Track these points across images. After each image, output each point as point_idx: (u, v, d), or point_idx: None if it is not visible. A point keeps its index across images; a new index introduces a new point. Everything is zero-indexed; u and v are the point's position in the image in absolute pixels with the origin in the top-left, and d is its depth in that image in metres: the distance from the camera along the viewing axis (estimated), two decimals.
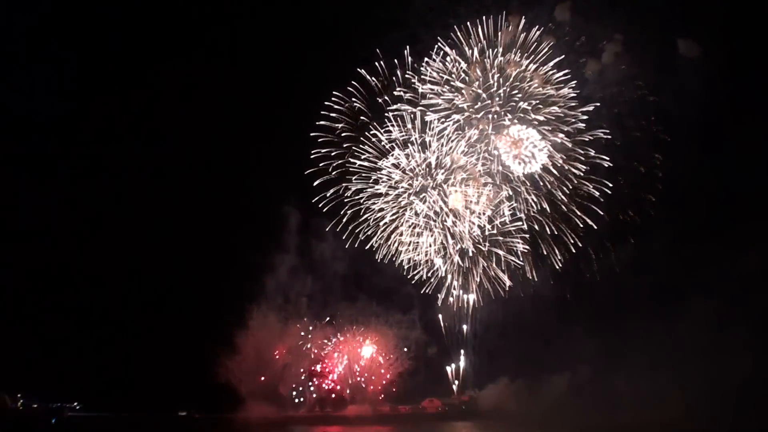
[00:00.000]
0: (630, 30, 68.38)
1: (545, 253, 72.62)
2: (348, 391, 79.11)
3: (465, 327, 78.32)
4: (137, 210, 75.65)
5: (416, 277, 74.11)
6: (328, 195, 73.35)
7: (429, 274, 74.47)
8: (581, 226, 71.25)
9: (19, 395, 62.95)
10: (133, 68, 77.83)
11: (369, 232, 73.64)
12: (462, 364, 79.94)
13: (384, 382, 79.13)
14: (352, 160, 72.74)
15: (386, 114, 70.66)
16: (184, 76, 78.15)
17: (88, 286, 70.73)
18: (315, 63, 77.79)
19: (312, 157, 72.72)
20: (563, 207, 71.06)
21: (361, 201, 73.39)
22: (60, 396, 65.24)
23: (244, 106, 78.50)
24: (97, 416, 65.39)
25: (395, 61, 70.05)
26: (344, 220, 73.55)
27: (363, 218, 73.60)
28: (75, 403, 65.81)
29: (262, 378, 75.89)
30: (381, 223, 73.33)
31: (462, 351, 79.59)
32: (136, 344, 69.08)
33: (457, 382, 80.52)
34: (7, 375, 60.78)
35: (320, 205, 73.68)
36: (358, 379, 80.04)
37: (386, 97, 70.93)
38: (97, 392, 64.85)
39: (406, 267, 73.74)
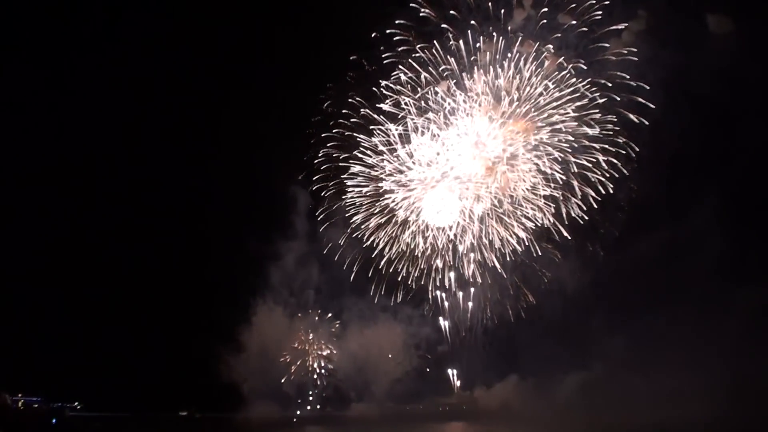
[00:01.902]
0: (654, 6, 63.15)
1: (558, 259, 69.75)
2: (353, 391, 77.15)
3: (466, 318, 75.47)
4: (134, 205, 74.53)
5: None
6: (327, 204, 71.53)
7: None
8: (602, 231, 68.27)
9: (19, 395, 62.82)
10: (141, 53, 75.53)
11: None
12: (464, 362, 77.55)
13: (390, 380, 76.96)
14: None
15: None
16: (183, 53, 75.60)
17: (87, 285, 69.79)
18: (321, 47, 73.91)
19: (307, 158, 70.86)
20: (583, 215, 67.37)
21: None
22: (60, 396, 65.02)
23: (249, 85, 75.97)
24: (97, 416, 65.00)
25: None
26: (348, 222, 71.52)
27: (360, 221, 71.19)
28: (75, 403, 65.56)
29: (266, 376, 74.32)
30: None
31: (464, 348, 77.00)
32: (136, 343, 68.30)
33: (458, 381, 78.18)
34: (7, 375, 60.52)
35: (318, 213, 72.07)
36: (369, 374, 77.96)
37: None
38: (97, 392, 64.35)
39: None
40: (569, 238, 68.66)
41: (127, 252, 73.30)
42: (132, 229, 73.48)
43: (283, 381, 75.32)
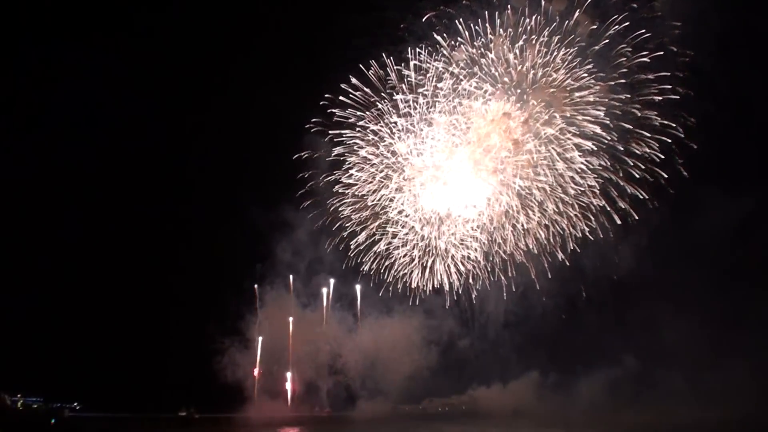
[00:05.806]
0: None
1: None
2: (361, 389, 73.35)
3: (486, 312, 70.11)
4: (131, 200, 72.26)
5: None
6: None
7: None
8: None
9: (18, 395, 62.88)
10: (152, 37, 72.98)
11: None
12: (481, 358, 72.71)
13: (401, 378, 72.40)
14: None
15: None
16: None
17: (85, 285, 68.65)
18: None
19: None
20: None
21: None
22: (60, 396, 64.79)
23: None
24: (97, 416, 64.63)
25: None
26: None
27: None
28: (75, 403, 65.33)
29: (272, 373, 71.68)
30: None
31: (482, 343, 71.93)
32: (135, 343, 66.91)
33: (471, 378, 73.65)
34: (7, 375, 60.01)
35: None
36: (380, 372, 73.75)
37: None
38: (97, 392, 63.58)
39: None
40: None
41: (125, 250, 71.86)
42: (130, 227, 71.74)
43: (290, 378, 72.52)
